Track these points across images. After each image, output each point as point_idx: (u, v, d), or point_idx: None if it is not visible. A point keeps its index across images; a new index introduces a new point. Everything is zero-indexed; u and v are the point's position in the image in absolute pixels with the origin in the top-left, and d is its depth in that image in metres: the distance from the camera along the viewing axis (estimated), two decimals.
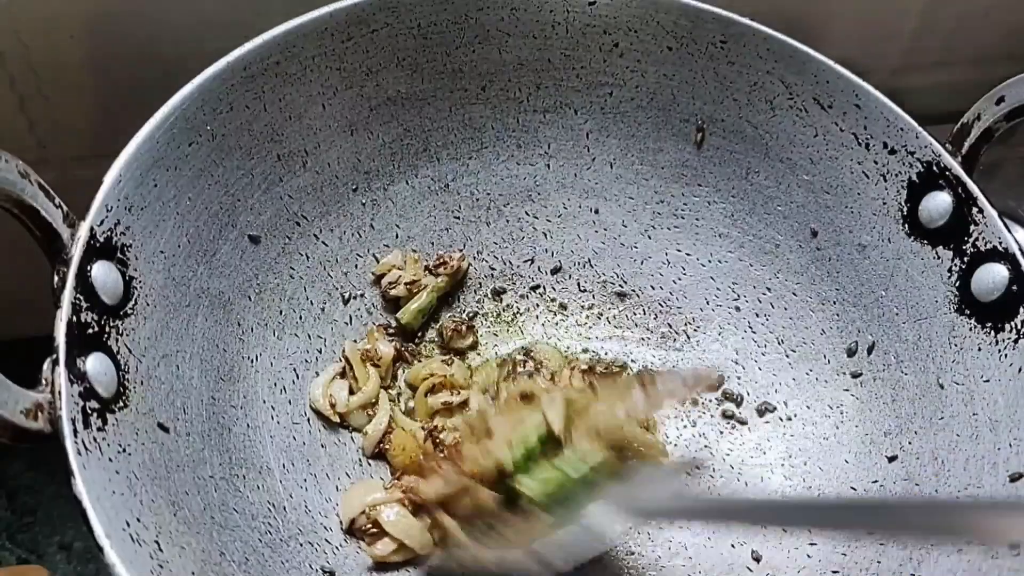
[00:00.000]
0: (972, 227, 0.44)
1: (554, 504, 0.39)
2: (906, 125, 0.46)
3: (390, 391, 0.49)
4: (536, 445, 0.40)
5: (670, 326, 0.53)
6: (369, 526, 0.43)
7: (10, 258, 0.47)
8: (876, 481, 0.45)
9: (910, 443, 0.45)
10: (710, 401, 0.51)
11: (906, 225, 0.47)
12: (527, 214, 0.54)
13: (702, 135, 0.51)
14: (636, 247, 0.53)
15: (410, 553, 0.43)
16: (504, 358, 0.51)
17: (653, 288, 0.53)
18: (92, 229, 0.38)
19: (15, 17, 0.45)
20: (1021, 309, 0.42)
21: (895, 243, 0.47)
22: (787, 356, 0.50)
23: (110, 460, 0.35)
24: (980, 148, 0.45)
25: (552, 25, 0.50)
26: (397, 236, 0.52)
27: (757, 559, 0.45)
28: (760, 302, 0.52)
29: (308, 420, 0.47)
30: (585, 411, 0.42)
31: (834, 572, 0.44)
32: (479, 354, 0.52)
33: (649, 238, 0.53)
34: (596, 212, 0.54)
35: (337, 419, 0.47)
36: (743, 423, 0.50)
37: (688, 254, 0.53)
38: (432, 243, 0.53)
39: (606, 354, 0.52)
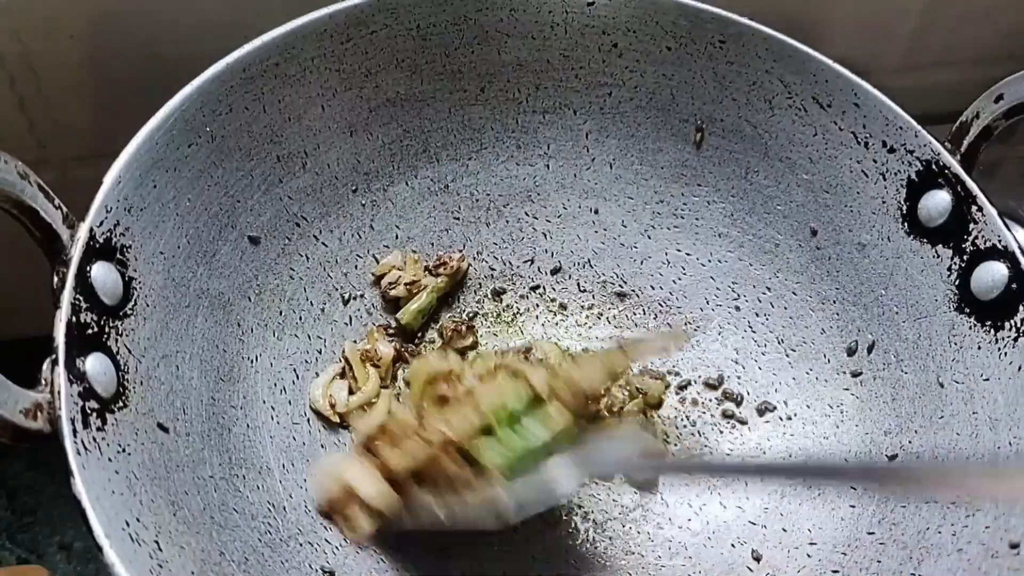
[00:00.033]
0: (971, 225, 0.44)
1: (514, 470, 0.40)
2: (905, 124, 0.46)
3: (390, 391, 0.49)
4: (518, 408, 0.41)
5: (670, 326, 0.53)
6: (345, 503, 0.43)
7: (10, 258, 0.47)
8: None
9: (910, 442, 0.45)
10: (710, 401, 0.51)
11: (905, 224, 0.47)
12: (527, 214, 0.54)
13: (701, 135, 0.51)
14: (636, 247, 0.53)
15: (383, 520, 0.43)
16: (503, 351, 0.51)
17: (653, 288, 0.53)
18: (92, 230, 0.38)
19: (15, 17, 0.45)
20: (1021, 307, 0.42)
21: (895, 242, 0.47)
22: (787, 355, 0.50)
23: (110, 460, 0.35)
24: (979, 146, 0.44)
25: (551, 26, 0.50)
26: (397, 237, 0.52)
27: (757, 559, 0.45)
28: (760, 302, 0.52)
29: (308, 420, 0.47)
30: (567, 377, 0.42)
31: (834, 572, 0.44)
32: (479, 354, 0.52)
33: (649, 238, 0.53)
34: (596, 212, 0.54)
35: (337, 419, 0.47)
36: (743, 423, 0.50)
37: (688, 254, 0.53)
38: (432, 244, 0.53)
39: None
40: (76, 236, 0.37)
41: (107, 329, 0.38)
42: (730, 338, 0.52)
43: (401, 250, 0.52)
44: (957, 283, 0.44)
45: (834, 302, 0.49)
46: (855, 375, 0.48)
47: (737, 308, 0.52)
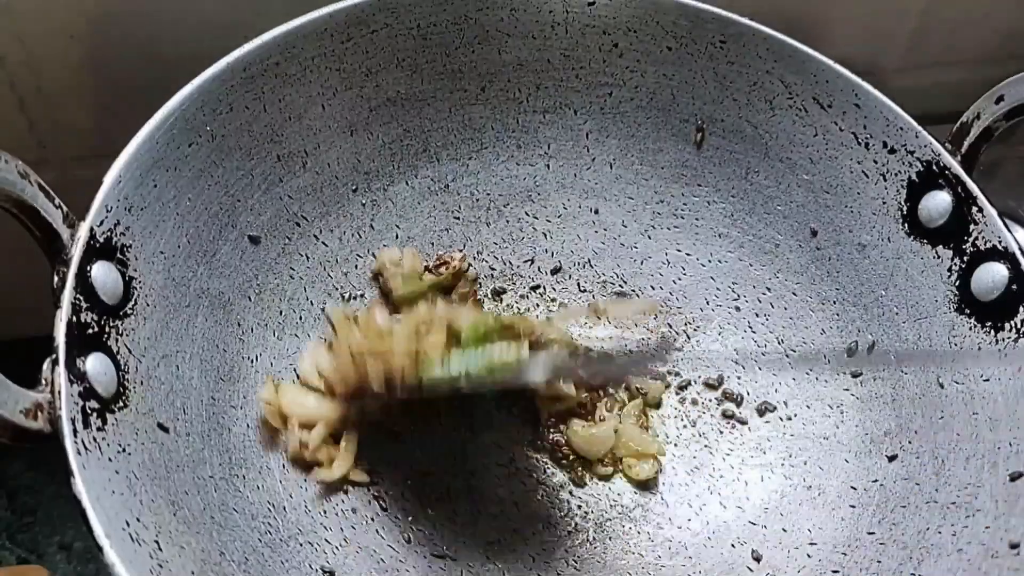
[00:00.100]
0: (972, 226, 0.44)
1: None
2: (905, 124, 0.46)
3: None
4: (482, 332, 0.41)
5: (670, 326, 0.53)
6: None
7: (10, 258, 0.47)
8: (876, 480, 0.45)
9: (910, 442, 0.45)
10: (710, 401, 0.51)
11: (906, 224, 0.47)
12: (527, 214, 0.54)
13: (702, 135, 0.51)
14: (636, 247, 0.53)
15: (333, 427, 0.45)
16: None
17: (653, 288, 0.53)
18: (92, 229, 0.38)
19: (15, 17, 0.45)
20: (1021, 308, 0.42)
21: (895, 242, 0.47)
22: (787, 356, 0.50)
23: (110, 460, 0.35)
24: (980, 147, 0.45)
25: (552, 25, 0.50)
26: (397, 236, 0.52)
27: (757, 559, 0.45)
28: (760, 302, 0.52)
29: None
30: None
31: (834, 572, 0.44)
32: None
33: (649, 238, 0.53)
34: (596, 212, 0.54)
35: (325, 389, 0.46)
36: (743, 423, 0.50)
37: (688, 254, 0.53)
38: (432, 243, 0.53)
39: None
40: (76, 236, 0.37)
41: (107, 329, 0.38)
42: (730, 338, 0.52)
43: (401, 249, 0.52)
44: (957, 284, 0.44)
45: (834, 302, 0.49)
46: (855, 375, 0.48)
47: (737, 308, 0.52)
